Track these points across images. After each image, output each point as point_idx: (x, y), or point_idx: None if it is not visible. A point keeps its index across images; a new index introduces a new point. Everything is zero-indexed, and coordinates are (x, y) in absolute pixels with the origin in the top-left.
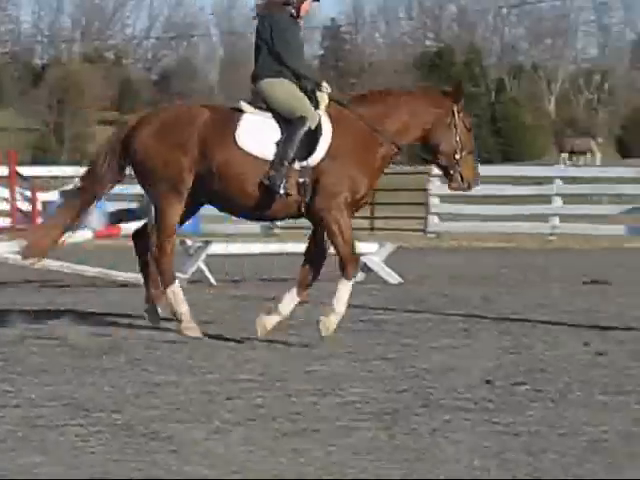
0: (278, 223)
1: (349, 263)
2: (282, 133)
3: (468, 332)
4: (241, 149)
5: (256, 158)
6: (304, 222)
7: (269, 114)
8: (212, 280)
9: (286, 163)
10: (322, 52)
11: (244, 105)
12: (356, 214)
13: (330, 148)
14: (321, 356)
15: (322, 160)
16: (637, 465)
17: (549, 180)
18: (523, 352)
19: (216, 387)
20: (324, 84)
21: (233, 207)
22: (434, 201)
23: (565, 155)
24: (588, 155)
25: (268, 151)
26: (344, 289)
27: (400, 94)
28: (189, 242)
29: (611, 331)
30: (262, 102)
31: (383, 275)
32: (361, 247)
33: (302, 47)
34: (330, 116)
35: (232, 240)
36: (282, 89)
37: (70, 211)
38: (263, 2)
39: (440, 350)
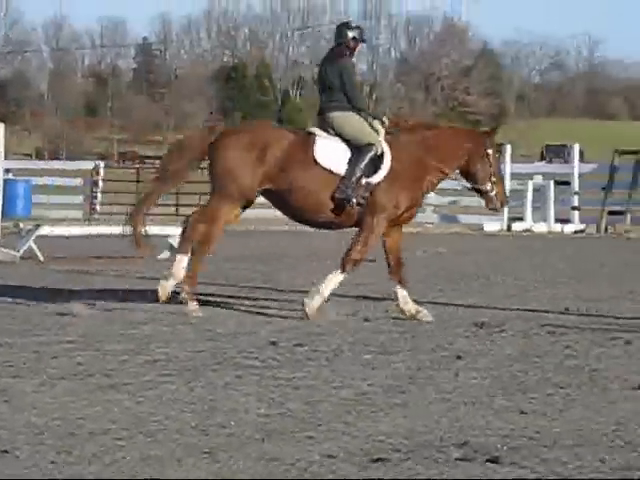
0: (98, 209)
1: (352, 262)
2: (352, 153)
3: (256, 301)
4: (319, 165)
5: (331, 173)
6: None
7: (338, 139)
8: (40, 257)
9: (355, 179)
10: (135, 66)
11: (316, 130)
12: (163, 201)
13: (390, 169)
14: (133, 321)
15: (383, 179)
16: (396, 413)
17: None
18: (302, 318)
19: (44, 347)
20: (384, 118)
21: (306, 216)
22: None
23: None
24: None
25: (341, 168)
26: (334, 279)
27: (444, 129)
28: (22, 225)
29: (376, 301)
30: (330, 130)
31: None
32: (168, 230)
33: (360, 87)
34: (388, 143)
35: (58, 224)
36: (352, 121)
37: (149, 200)
38: (330, 53)
39: (233, 316)
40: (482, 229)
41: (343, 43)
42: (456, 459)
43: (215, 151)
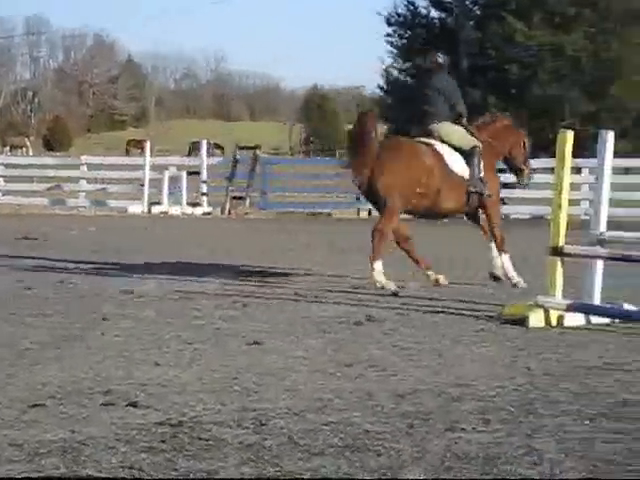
0: None
1: (502, 241)
2: (464, 157)
3: None
4: (452, 171)
5: (459, 176)
6: None
7: (447, 146)
8: None
9: (477, 176)
10: None
11: (430, 140)
12: None
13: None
14: None
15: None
16: (51, 366)
17: None
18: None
19: None
20: (464, 120)
21: (437, 211)
22: None
23: (7, 148)
24: (24, 149)
25: (464, 171)
26: (505, 258)
27: (500, 125)
28: None
29: (37, 272)
30: (435, 137)
31: None
32: None
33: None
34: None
35: None
36: (455, 129)
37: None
38: (432, 64)
39: None
40: (126, 211)
41: (435, 63)
42: (101, 404)
43: (383, 181)
